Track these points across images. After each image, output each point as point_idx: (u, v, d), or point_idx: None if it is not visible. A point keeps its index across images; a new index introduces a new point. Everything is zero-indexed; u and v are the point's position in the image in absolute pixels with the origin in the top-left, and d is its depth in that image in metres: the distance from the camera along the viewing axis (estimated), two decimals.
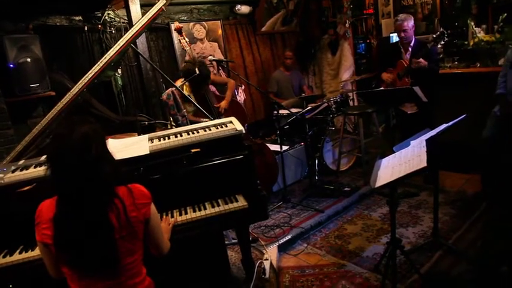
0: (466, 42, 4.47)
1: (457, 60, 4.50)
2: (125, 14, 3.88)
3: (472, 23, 4.33)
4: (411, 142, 2.43)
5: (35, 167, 2.06)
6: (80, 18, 4.02)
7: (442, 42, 3.72)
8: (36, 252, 1.81)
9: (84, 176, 1.35)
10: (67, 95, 2.28)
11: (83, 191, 1.36)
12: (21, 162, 2.16)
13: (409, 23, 3.83)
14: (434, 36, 3.65)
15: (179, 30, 3.50)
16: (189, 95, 3.10)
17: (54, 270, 1.49)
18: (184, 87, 3.39)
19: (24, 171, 2.02)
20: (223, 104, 3.64)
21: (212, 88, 4.00)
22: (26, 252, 1.85)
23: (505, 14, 4.05)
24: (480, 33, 4.28)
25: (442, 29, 3.64)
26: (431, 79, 3.81)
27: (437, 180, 2.88)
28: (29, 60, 3.32)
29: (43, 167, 2.02)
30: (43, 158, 2.14)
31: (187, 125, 2.76)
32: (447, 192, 3.82)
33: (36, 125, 2.30)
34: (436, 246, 2.89)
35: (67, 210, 1.38)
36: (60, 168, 1.36)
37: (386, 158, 2.42)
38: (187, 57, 4.65)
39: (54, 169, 1.38)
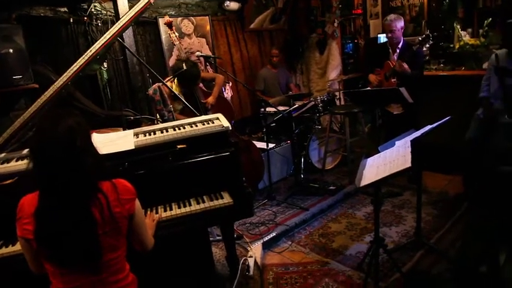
0: (451, 45, 4.54)
1: (442, 63, 4.56)
2: (112, 6, 3.82)
3: (458, 27, 4.40)
4: (396, 142, 2.46)
5: (16, 161, 2.01)
6: (66, 9, 3.94)
7: (428, 45, 3.76)
8: (17, 247, 1.77)
9: (68, 169, 1.34)
10: (51, 88, 2.24)
11: (66, 184, 1.34)
12: (2, 155, 2.11)
13: (398, 24, 3.85)
14: (420, 38, 3.69)
15: (169, 25, 3.47)
16: (178, 94, 3.08)
17: (35, 265, 1.47)
18: (174, 87, 3.36)
19: (6, 165, 1.98)
20: (211, 99, 3.63)
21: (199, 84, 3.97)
22: (7, 247, 1.81)
23: (490, 19, 4.13)
24: (466, 37, 4.35)
25: (427, 32, 3.68)
26: (415, 81, 3.85)
27: (421, 181, 2.92)
28: (11, 51, 3.23)
29: (25, 161, 1.97)
30: (25, 151, 2.10)
31: (174, 120, 2.74)
32: (430, 192, 3.89)
33: (18, 117, 2.25)
34: (418, 245, 2.94)
35: (49, 204, 1.36)
36: (44, 161, 1.34)
37: (371, 158, 2.44)
38: (175, 52, 4.62)
39: (38, 162, 1.36)
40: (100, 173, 1.45)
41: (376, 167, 2.25)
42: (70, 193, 1.35)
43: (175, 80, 3.39)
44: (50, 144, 1.33)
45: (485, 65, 3.86)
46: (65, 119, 1.37)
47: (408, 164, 2.03)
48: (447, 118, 2.55)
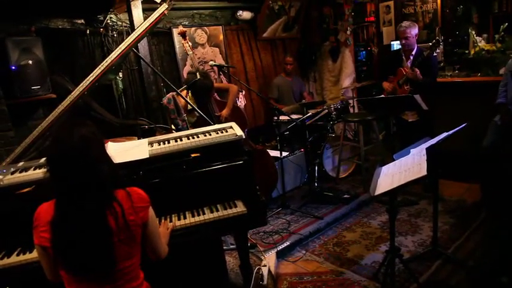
0: (466, 51, 4.49)
1: (457, 69, 4.51)
2: (127, 18, 3.89)
3: (473, 32, 4.35)
4: (411, 150, 2.43)
5: (34, 169, 2.05)
6: (82, 21, 4.04)
7: (438, 51, 3.72)
8: (34, 254, 1.80)
9: (83, 178, 1.36)
10: (68, 98, 2.28)
11: (81, 193, 1.37)
12: (20, 164, 2.16)
13: (412, 31, 3.83)
14: (430, 44, 3.66)
15: (183, 34, 3.51)
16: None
17: (51, 273, 1.49)
18: (188, 99, 3.38)
19: (24, 173, 2.02)
20: (225, 112, 3.61)
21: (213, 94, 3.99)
22: (24, 254, 1.84)
23: (506, 24, 4.07)
24: (481, 43, 4.29)
25: (437, 38, 3.65)
26: (428, 88, 3.81)
27: (437, 189, 2.87)
28: (30, 62, 3.32)
29: (42, 169, 2.01)
30: (43, 160, 2.14)
31: (187, 129, 2.76)
32: (447, 201, 3.82)
33: (36, 127, 2.30)
34: (435, 255, 2.88)
35: (65, 213, 1.38)
36: (60, 170, 1.37)
37: (386, 166, 2.42)
38: (188, 62, 4.67)
39: (54, 171, 1.39)
40: (115, 181, 1.47)
41: (391, 176, 2.22)
42: (86, 202, 1.37)
43: (189, 93, 3.41)
44: (65, 154, 1.37)
45: (501, 71, 3.80)
46: (79, 129, 1.40)
47: (424, 172, 2.00)
48: (463, 125, 2.51)
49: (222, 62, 5.04)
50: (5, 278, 1.81)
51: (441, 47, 3.62)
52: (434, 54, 3.78)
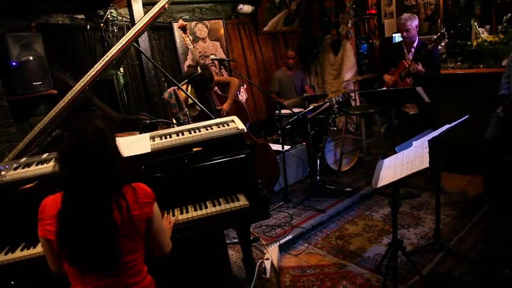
0: (469, 43, 4.46)
1: (460, 61, 4.48)
2: (127, 12, 3.87)
3: (476, 24, 4.32)
4: (413, 143, 2.42)
5: (36, 165, 2.05)
6: (83, 16, 4.03)
7: (443, 44, 3.70)
8: (38, 249, 1.81)
9: (96, 169, 1.38)
10: (69, 93, 2.28)
11: (91, 185, 1.38)
12: (23, 160, 2.16)
13: (413, 23, 3.80)
14: (435, 37, 3.63)
15: (183, 28, 3.49)
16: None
17: (55, 266, 1.50)
18: (189, 93, 3.39)
19: (26, 169, 2.02)
20: (225, 106, 3.61)
21: (214, 87, 3.98)
22: (28, 249, 1.85)
23: (509, 15, 4.04)
24: (484, 34, 4.26)
25: (442, 30, 3.62)
26: (432, 81, 3.78)
27: (439, 182, 2.87)
28: (31, 58, 3.32)
29: (45, 165, 2.02)
30: (45, 155, 2.15)
31: (189, 123, 2.76)
32: (449, 193, 3.81)
33: (38, 123, 2.30)
34: (438, 247, 2.89)
35: (73, 205, 1.38)
36: (74, 161, 1.37)
37: (388, 159, 2.41)
38: (189, 56, 4.66)
39: (67, 161, 1.39)
40: (124, 175, 1.48)
41: (393, 168, 2.22)
42: (94, 194, 1.38)
43: (190, 86, 3.40)
44: (81, 145, 1.37)
45: (504, 62, 3.78)
46: (96, 122, 1.42)
47: (426, 165, 1.99)
48: (465, 117, 2.51)
49: (223, 56, 5.02)
50: (9, 273, 1.82)
51: (446, 39, 3.58)
52: (440, 47, 3.75)
